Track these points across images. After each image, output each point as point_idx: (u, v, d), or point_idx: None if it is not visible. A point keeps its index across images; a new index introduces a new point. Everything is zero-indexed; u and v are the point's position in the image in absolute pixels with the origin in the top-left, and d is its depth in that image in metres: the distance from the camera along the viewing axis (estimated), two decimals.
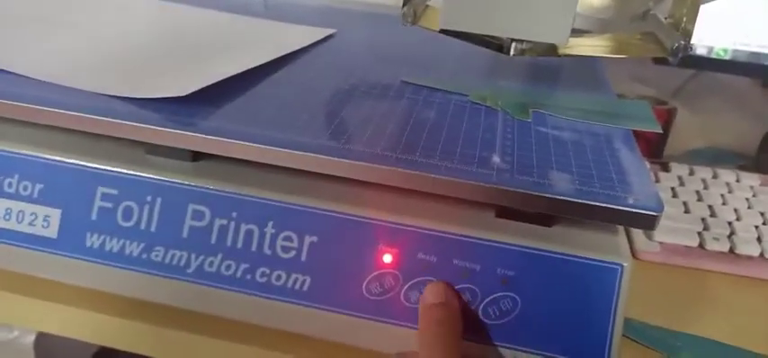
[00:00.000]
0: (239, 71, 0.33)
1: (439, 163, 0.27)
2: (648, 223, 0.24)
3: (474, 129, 0.31)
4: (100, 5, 0.47)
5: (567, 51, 0.32)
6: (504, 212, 0.27)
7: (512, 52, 0.33)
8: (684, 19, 0.31)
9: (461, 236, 0.27)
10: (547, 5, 0.30)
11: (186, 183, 0.28)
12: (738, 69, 0.55)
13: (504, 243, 0.26)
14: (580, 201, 0.25)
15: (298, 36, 0.43)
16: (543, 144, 0.30)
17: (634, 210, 0.24)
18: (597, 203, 0.25)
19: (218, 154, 0.27)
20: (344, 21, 0.50)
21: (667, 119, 0.51)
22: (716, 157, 0.57)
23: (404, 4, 0.32)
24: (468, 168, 0.26)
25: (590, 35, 0.36)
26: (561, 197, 0.25)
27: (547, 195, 0.25)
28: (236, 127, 0.28)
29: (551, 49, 0.32)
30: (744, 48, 0.54)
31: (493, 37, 0.33)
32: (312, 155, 0.26)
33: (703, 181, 0.45)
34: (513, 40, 0.32)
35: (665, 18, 0.35)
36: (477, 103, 0.34)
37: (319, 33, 0.45)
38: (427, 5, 0.37)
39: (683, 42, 0.30)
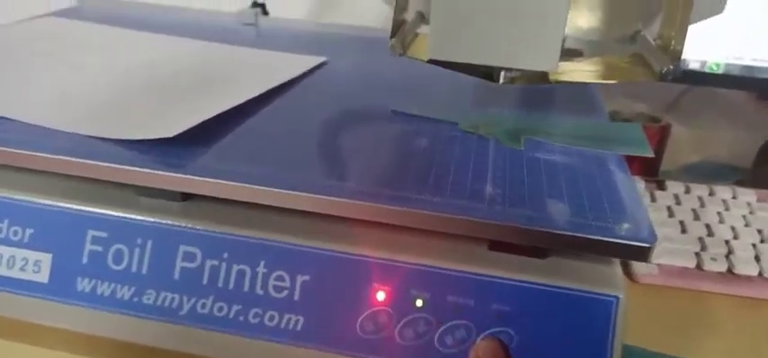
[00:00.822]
0: (229, 107, 0.33)
1: (431, 198, 0.26)
2: (642, 255, 0.24)
3: (465, 159, 0.30)
4: (96, 40, 0.47)
5: (557, 78, 0.32)
6: (498, 245, 0.27)
7: (501, 80, 0.33)
8: (673, 41, 0.31)
9: (454, 271, 0.26)
10: (535, 33, 0.30)
11: (176, 224, 0.28)
12: (732, 83, 0.55)
13: (497, 277, 0.26)
14: (572, 234, 0.25)
15: (289, 66, 0.43)
16: (535, 173, 0.30)
17: (627, 243, 0.24)
18: (590, 236, 0.24)
19: (208, 195, 0.27)
20: (336, 47, 0.50)
21: (662, 137, 0.51)
22: (712, 172, 0.56)
23: (392, 35, 0.33)
24: (461, 202, 0.26)
25: (579, 59, 0.36)
26: (553, 231, 0.25)
27: (539, 229, 0.25)
28: (226, 166, 0.28)
29: (541, 77, 0.32)
30: (737, 61, 0.54)
31: (482, 65, 0.33)
32: (302, 194, 0.26)
33: (700, 198, 0.45)
34: (502, 68, 0.32)
35: (654, 39, 0.35)
36: (468, 132, 0.34)
37: (311, 62, 0.45)
38: (417, 33, 0.37)
39: (671, 66, 0.30)
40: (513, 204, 0.26)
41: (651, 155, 0.32)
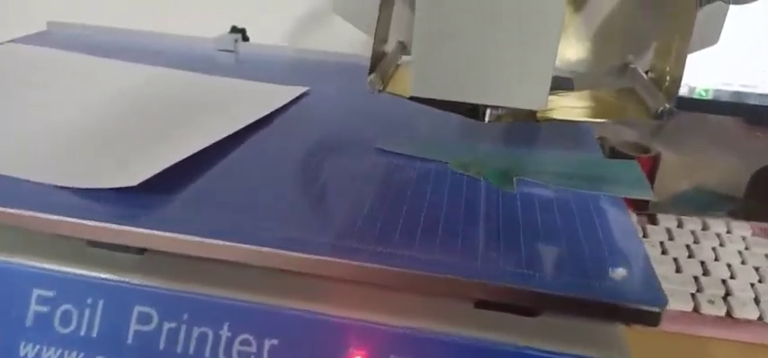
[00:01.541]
0: (200, 148, 0.31)
1: (417, 254, 0.24)
2: (651, 320, 0.22)
3: (455, 205, 0.28)
4: (60, 71, 0.45)
5: (546, 115, 0.30)
6: (484, 303, 0.25)
7: (487, 118, 0.31)
8: (668, 77, 0.30)
9: (438, 333, 0.24)
10: (522, 70, 0.28)
11: (131, 281, 0.25)
12: (721, 109, 0.54)
13: (485, 340, 0.24)
14: (572, 296, 0.22)
15: (269, 97, 0.41)
16: (530, 222, 0.27)
17: (634, 307, 0.22)
18: (592, 298, 0.22)
19: (167, 251, 0.25)
20: (318, 75, 0.48)
21: (652, 167, 0.49)
22: (703, 202, 0.55)
23: (371, 69, 0.30)
24: (450, 259, 0.24)
25: (567, 94, 0.34)
26: (550, 292, 0.22)
27: (535, 290, 0.22)
28: (190, 216, 0.25)
29: (529, 114, 0.30)
30: (726, 87, 0.53)
31: (466, 103, 0.31)
32: (272, 250, 0.24)
33: (693, 233, 0.43)
34: (487, 106, 0.30)
35: (646, 72, 0.34)
36: (457, 172, 0.32)
37: (292, 92, 0.42)
38: (398, 65, 0.35)
39: (666, 106, 0.28)
40: (508, 259, 0.24)
41: (650, 197, 0.30)
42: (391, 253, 0.24)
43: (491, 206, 0.28)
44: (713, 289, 0.37)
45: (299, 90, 0.43)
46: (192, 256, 0.25)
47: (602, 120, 0.31)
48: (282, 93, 0.42)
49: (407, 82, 0.29)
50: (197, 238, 0.24)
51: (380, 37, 0.32)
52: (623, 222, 0.28)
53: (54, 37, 0.53)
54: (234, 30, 0.58)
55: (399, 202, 0.28)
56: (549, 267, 0.24)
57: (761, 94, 0.53)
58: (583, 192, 0.30)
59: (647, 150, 0.50)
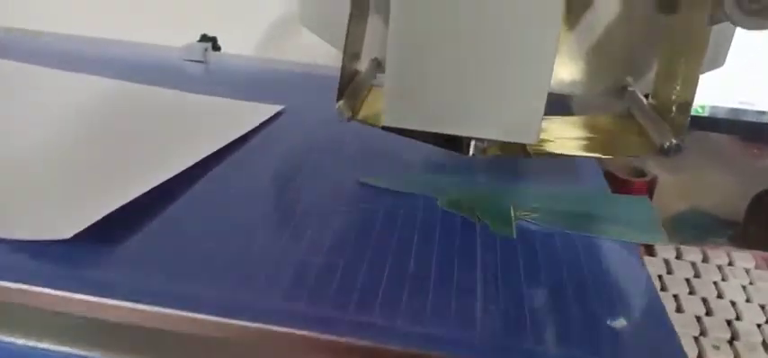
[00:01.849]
0: (155, 185, 0.27)
1: (404, 325, 0.20)
2: None
3: (448, 256, 0.25)
4: (7, 88, 0.40)
5: (538, 149, 0.27)
6: None
7: (471, 151, 0.27)
8: (674, 106, 0.26)
9: None
10: (511, 98, 0.24)
11: (41, 345, 0.21)
12: (718, 127, 0.51)
13: None
14: None
15: (240, 118, 0.37)
16: (534, 276, 0.24)
17: None
18: None
19: (87, 316, 0.21)
20: (293, 89, 0.44)
21: (648, 189, 0.46)
22: (701, 226, 0.52)
23: (340, 94, 0.27)
24: (444, 332, 0.20)
25: (561, 119, 0.31)
26: None
27: None
28: (116, 273, 0.22)
29: (519, 148, 0.27)
30: (723, 104, 0.51)
31: (447, 134, 0.27)
32: (229, 321, 0.20)
33: (693, 265, 0.40)
34: (472, 138, 0.27)
35: (647, 97, 0.30)
36: (449, 211, 0.28)
37: (265, 112, 0.39)
38: (372, 86, 0.31)
39: (674, 141, 0.24)
40: (510, 329, 0.21)
41: (665, 241, 0.27)
42: (369, 322, 0.20)
43: (488, 257, 0.25)
44: (718, 331, 0.34)
45: (273, 109, 0.39)
46: (117, 323, 0.21)
47: (603, 157, 0.27)
48: (255, 113, 0.38)
49: (381, 108, 0.26)
50: (119, 303, 0.20)
51: (351, 54, 0.29)
52: (642, 281, 0.25)
53: (1, 44, 0.49)
54: (204, 38, 0.54)
55: (381, 254, 0.24)
56: (557, 343, 0.20)
57: (759, 111, 0.50)
58: (591, 238, 0.27)
59: (642, 173, 0.47)
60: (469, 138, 0.27)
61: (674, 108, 0.26)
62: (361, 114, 0.28)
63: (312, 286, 0.22)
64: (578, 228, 0.27)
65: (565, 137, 0.28)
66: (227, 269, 0.22)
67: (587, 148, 0.28)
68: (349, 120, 0.26)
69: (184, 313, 0.20)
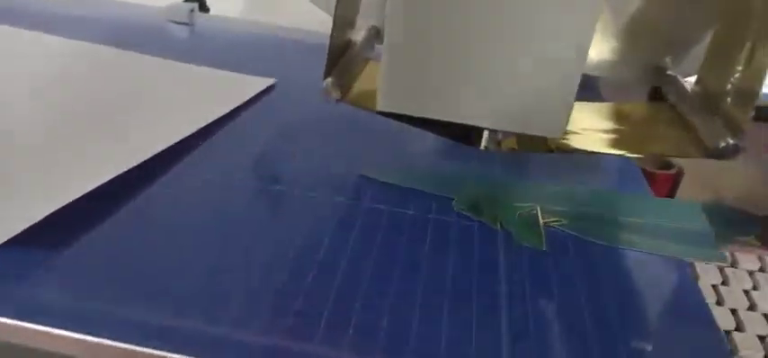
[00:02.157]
0: (121, 171, 0.23)
1: None
2: None
3: (465, 277, 0.20)
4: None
5: (562, 144, 0.23)
6: None
7: (483, 144, 0.23)
8: (731, 97, 0.22)
9: None
10: (535, 83, 0.20)
11: None
12: None
13: None
14: None
15: (225, 93, 0.32)
16: (571, 304, 0.20)
17: None
18: None
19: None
20: (285, 57, 0.40)
21: (673, 183, 0.42)
22: (725, 221, 0.48)
23: (326, 73, 0.22)
24: None
25: (588, 107, 0.26)
26: None
27: None
28: (68, 295, 0.18)
29: (539, 142, 0.23)
30: None
31: (455, 124, 0.23)
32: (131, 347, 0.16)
33: (721, 271, 0.36)
34: (483, 128, 0.22)
35: (690, 80, 0.26)
36: (465, 215, 0.24)
37: (254, 85, 0.34)
38: (369, 60, 0.27)
39: (731, 141, 0.20)
40: None
41: (725, 261, 0.23)
42: None
43: (516, 275, 0.21)
44: (749, 349, 0.31)
45: (263, 83, 0.35)
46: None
47: (636, 155, 0.23)
48: (241, 88, 0.34)
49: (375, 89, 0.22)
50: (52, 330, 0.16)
51: (342, 21, 0.24)
52: (702, 316, 0.21)
53: None
54: None
55: (388, 274, 0.20)
56: None
57: None
58: (637, 254, 0.23)
59: (668, 165, 0.43)
60: (482, 129, 0.23)
61: (729, 98, 0.22)
62: (353, 93, 0.23)
63: (291, 324, 0.18)
64: (620, 241, 0.23)
65: (592, 128, 0.24)
66: (189, 295, 0.19)
67: (618, 144, 0.23)
68: (337, 101, 0.22)
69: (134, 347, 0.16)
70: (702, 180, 0.52)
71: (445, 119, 0.21)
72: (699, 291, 0.21)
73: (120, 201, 0.22)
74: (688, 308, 0.20)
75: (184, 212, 0.22)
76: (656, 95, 0.27)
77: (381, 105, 0.21)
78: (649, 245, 0.23)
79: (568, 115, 0.20)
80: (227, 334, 0.17)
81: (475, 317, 0.19)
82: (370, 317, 0.18)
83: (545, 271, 0.21)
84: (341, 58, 0.24)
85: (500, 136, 0.23)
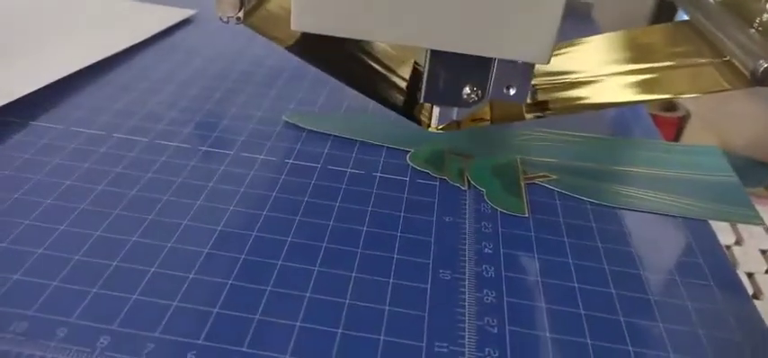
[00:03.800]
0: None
1: None
2: None
3: (418, 268, 0.15)
4: None
5: (556, 100, 0.17)
6: None
7: (434, 123, 0.17)
8: None
9: None
10: None
11: None
12: None
13: None
14: None
15: (138, 23, 0.27)
16: (564, 293, 0.14)
17: None
18: None
19: None
20: None
21: (677, 131, 0.37)
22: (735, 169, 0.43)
23: None
24: None
25: (587, 41, 0.20)
26: None
27: None
28: None
29: (512, 107, 0.17)
30: None
31: (390, 70, 0.17)
32: None
33: (734, 229, 0.31)
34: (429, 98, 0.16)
35: None
36: (423, 172, 0.18)
37: (168, 17, 0.28)
38: None
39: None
40: None
41: (761, 222, 0.18)
42: None
43: (487, 251, 0.15)
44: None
45: (180, 13, 0.29)
46: None
47: (651, 99, 0.17)
48: (154, 19, 0.28)
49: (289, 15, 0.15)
50: None
51: None
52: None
53: None
54: None
55: (312, 258, 0.15)
56: None
57: None
58: (650, 218, 0.17)
59: (671, 106, 0.37)
60: (421, 87, 0.16)
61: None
62: (258, 16, 0.17)
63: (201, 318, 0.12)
64: (628, 200, 0.17)
65: (600, 73, 0.18)
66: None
67: (635, 89, 0.17)
68: (236, 22, 0.16)
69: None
70: (708, 124, 0.46)
71: (384, 40, 0.15)
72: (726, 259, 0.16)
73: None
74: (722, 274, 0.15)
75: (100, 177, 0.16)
76: (661, 13, 0.21)
77: (295, 24, 0.15)
78: (669, 205, 0.17)
79: (556, 31, 0.14)
80: None
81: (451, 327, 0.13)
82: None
83: (527, 244, 0.15)
84: None
85: (455, 115, 0.17)
